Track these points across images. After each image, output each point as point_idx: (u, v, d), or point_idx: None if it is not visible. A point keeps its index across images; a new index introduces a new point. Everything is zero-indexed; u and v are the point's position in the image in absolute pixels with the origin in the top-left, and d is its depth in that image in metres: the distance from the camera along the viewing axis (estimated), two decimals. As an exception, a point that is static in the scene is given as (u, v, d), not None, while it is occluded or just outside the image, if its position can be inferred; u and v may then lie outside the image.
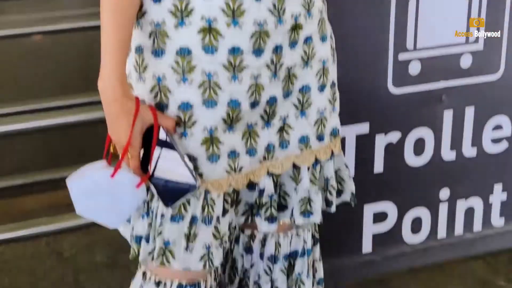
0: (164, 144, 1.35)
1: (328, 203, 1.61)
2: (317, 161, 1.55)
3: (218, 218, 1.44)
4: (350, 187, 1.66)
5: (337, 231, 2.21)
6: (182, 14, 1.33)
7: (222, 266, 1.66)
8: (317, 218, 1.57)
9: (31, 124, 1.90)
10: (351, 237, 2.28)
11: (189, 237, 1.41)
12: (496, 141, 2.30)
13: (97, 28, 1.34)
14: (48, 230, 2.04)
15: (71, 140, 3.11)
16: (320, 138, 1.53)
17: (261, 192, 1.50)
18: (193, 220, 1.41)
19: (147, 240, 1.42)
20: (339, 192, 1.65)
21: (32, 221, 2.09)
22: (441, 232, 2.35)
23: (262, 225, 1.53)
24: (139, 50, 1.38)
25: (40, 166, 3.13)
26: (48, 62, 3.33)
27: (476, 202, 2.34)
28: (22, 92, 3.21)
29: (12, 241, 2.07)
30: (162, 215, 1.40)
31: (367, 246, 2.30)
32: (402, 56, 2.10)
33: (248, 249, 1.63)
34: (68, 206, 2.40)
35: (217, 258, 1.44)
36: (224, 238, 1.46)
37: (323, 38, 1.48)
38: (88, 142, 3.03)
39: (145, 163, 1.36)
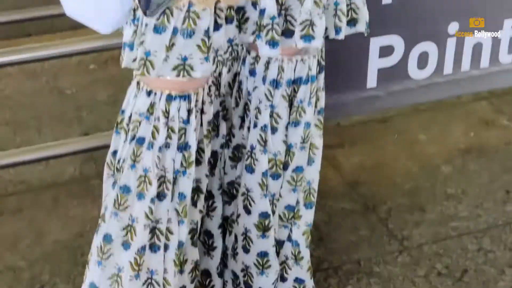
0: None
1: (337, 30, 1.55)
2: None
3: (207, 32, 1.39)
4: (364, 15, 1.59)
5: (341, 65, 2.17)
6: None
7: (230, 88, 1.64)
8: (318, 42, 1.52)
9: None
10: (355, 72, 2.24)
11: (168, 48, 1.38)
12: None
13: None
14: (47, 54, 1.99)
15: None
16: None
17: (262, 12, 1.45)
18: (174, 31, 1.38)
19: (131, 48, 1.41)
20: (353, 21, 1.59)
21: (31, 44, 2.04)
22: (448, 68, 2.31)
23: (263, 49, 1.48)
24: None
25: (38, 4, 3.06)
26: None
27: (485, 38, 2.29)
28: None
29: (9, 64, 2.03)
30: (146, 24, 1.38)
31: (371, 81, 2.26)
32: None
33: (252, 72, 1.60)
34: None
35: (199, 70, 1.41)
36: (220, 52, 1.44)
37: None
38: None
39: None
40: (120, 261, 1.46)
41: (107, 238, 1.47)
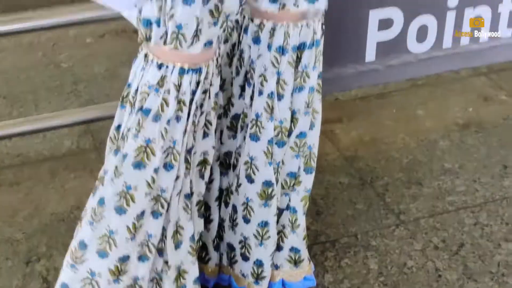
0: None
1: None
2: None
3: None
4: None
5: (341, 39, 2.16)
6: None
7: (229, 58, 1.64)
8: (321, 3, 1.53)
9: None
10: (355, 45, 2.23)
11: (198, 19, 1.36)
12: None
13: None
14: (46, 24, 1.97)
15: None
16: None
17: None
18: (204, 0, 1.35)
19: (158, 24, 1.38)
20: None
21: (28, 14, 2.03)
22: (447, 42, 2.30)
23: (263, 2, 1.49)
24: None
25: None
26: None
27: (484, 11, 2.27)
28: None
29: (7, 34, 2.01)
30: None
31: (370, 54, 2.25)
32: None
33: (256, 39, 1.58)
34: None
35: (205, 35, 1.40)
36: (231, 17, 1.42)
37: None
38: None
39: None
40: (112, 225, 1.47)
41: (101, 201, 1.48)
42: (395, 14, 2.19)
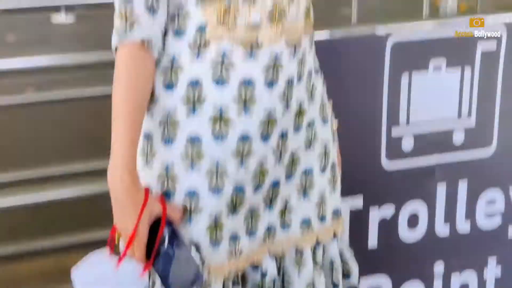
0: (170, 235, 1.34)
1: (334, 285, 1.61)
2: (319, 243, 1.56)
3: None
4: (355, 271, 1.66)
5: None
6: (194, 103, 1.35)
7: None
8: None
9: (26, 199, 1.90)
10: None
11: None
12: (489, 215, 2.30)
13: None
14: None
15: (62, 208, 3.10)
16: (322, 218, 1.55)
17: (264, 275, 1.50)
18: None
19: None
20: (347, 276, 1.65)
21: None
22: (437, 308, 2.32)
23: None
24: (148, 137, 1.40)
25: (31, 233, 3.11)
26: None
27: (470, 277, 2.32)
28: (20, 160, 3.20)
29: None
30: None
31: (362, 328, 2.26)
32: (395, 131, 2.12)
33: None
34: (58, 275, 2.38)
35: None
36: None
37: (324, 121, 1.53)
38: (80, 212, 3.02)
39: (148, 250, 1.34)
40: None
41: None
42: (384, 282, 2.24)
